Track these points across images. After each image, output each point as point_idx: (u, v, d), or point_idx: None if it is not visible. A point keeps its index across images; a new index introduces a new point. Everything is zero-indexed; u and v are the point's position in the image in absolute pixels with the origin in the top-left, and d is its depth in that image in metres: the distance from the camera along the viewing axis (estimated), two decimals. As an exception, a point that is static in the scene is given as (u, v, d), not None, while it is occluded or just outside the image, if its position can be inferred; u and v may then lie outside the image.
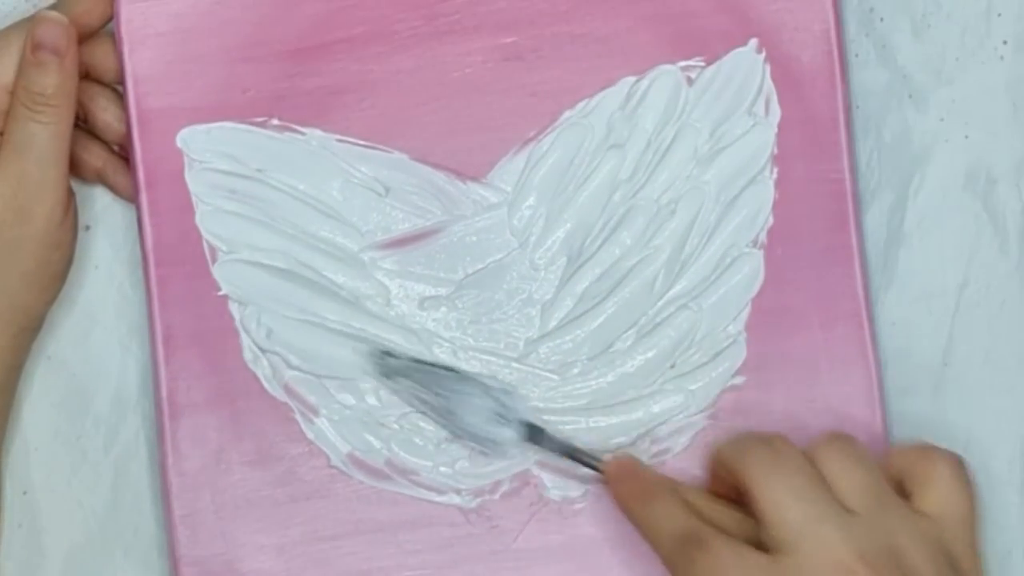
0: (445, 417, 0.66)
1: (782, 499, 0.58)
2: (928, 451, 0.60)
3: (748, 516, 0.61)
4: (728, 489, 0.62)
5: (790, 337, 0.68)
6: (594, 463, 0.64)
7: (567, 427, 0.68)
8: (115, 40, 0.67)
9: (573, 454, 0.65)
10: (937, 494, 0.60)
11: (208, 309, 0.67)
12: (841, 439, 0.61)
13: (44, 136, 0.64)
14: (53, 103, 0.64)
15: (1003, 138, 0.69)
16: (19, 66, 0.65)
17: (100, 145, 0.69)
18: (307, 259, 0.68)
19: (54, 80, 0.64)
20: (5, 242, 0.64)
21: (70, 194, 0.66)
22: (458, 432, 0.66)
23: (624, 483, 0.63)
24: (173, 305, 0.67)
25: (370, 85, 0.68)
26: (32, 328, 0.67)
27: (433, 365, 0.66)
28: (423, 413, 0.66)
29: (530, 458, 0.67)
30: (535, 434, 0.65)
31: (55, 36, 0.64)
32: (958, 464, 0.60)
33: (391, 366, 0.66)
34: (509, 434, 0.66)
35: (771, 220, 0.68)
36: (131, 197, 0.68)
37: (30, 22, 0.65)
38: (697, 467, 0.67)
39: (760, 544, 0.59)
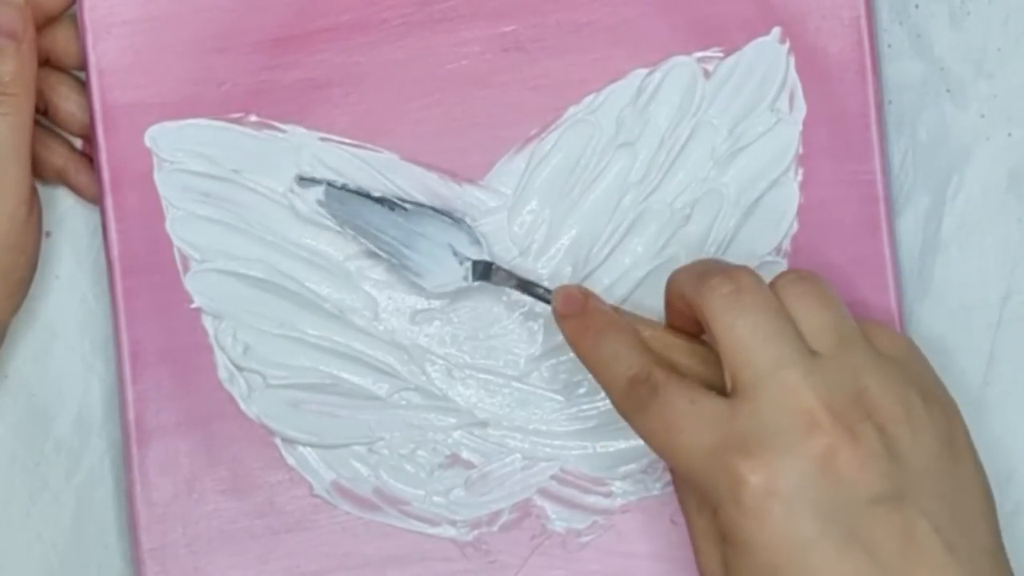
0: (389, 251, 0.66)
1: (744, 339, 0.57)
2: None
3: (709, 349, 0.60)
4: (687, 322, 0.61)
5: (816, 354, 0.67)
6: (547, 296, 0.63)
7: (573, 452, 0.67)
8: (78, 27, 0.67)
9: (525, 287, 0.65)
10: (888, 338, 0.60)
11: (179, 323, 0.67)
12: (807, 277, 0.59)
13: (2, 128, 0.64)
14: (11, 92, 0.64)
15: (1049, 136, 0.69)
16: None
17: (61, 142, 0.68)
18: (288, 269, 0.67)
19: (11, 67, 0.64)
20: None
21: (34, 192, 0.65)
22: (401, 268, 0.66)
23: (575, 318, 0.62)
24: (141, 319, 0.66)
25: (356, 78, 0.67)
26: (-4, 339, 0.67)
27: (380, 200, 0.66)
28: (358, 239, 0.66)
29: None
30: (485, 271, 0.65)
31: (11, 19, 0.64)
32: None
33: (330, 194, 0.66)
34: (460, 272, 0.65)
35: (795, 226, 0.67)
36: (95, 200, 0.67)
37: (-17, 6, 0.65)
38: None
39: (720, 382, 0.58)
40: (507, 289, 0.66)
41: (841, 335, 0.58)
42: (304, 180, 0.66)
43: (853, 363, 0.57)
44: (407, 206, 0.65)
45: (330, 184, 0.66)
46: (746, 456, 0.55)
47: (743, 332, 0.57)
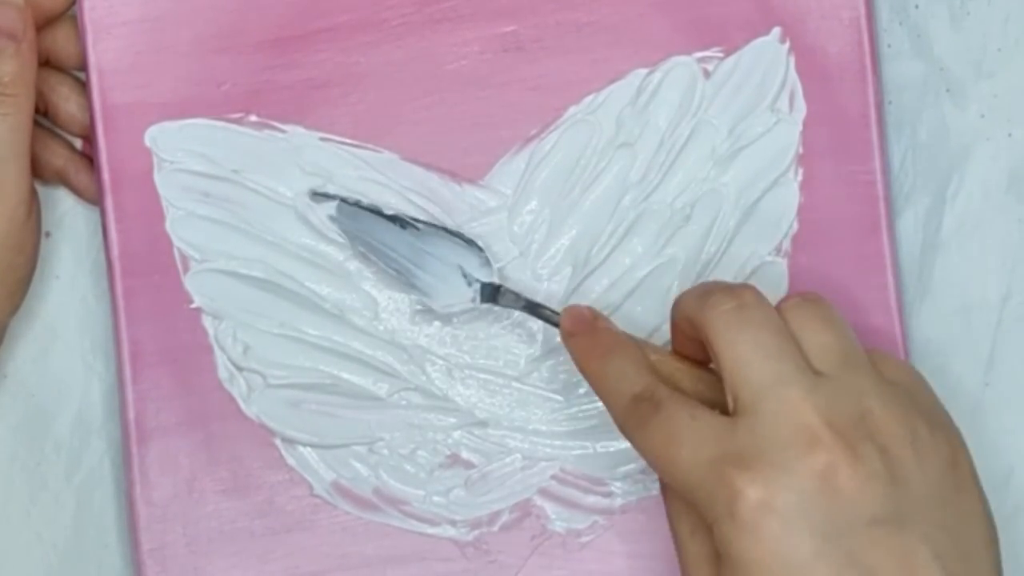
0: (398, 269, 0.65)
1: (745, 356, 0.56)
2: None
3: (713, 376, 0.59)
4: (693, 346, 0.60)
5: (816, 354, 0.67)
6: (554, 318, 0.63)
7: (573, 452, 0.67)
8: (78, 27, 0.66)
9: (533, 309, 0.64)
10: (893, 365, 0.59)
11: (179, 323, 0.66)
12: (813, 299, 0.59)
13: (2, 129, 0.63)
14: (10, 92, 0.63)
15: (1049, 136, 0.69)
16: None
17: (61, 143, 0.68)
18: (288, 268, 0.67)
19: (11, 67, 0.63)
20: None
21: (33, 193, 0.65)
22: (409, 287, 0.66)
23: (581, 337, 0.61)
24: (141, 319, 0.66)
25: (356, 78, 0.67)
26: (-5, 340, 0.66)
27: (392, 218, 0.65)
28: (367, 259, 0.66)
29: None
30: (493, 293, 0.65)
31: (10, 20, 0.63)
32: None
33: (342, 210, 0.66)
34: (469, 293, 0.65)
35: (796, 226, 0.67)
36: (95, 200, 0.67)
37: (-17, 6, 0.64)
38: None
39: (724, 406, 0.57)
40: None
41: (845, 357, 0.57)
42: (317, 195, 0.66)
43: (857, 385, 0.56)
44: (419, 225, 0.65)
45: (343, 200, 0.65)
46: (744, 469, 0.54)
47: (744, 348, 0.56)
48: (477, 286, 0.65)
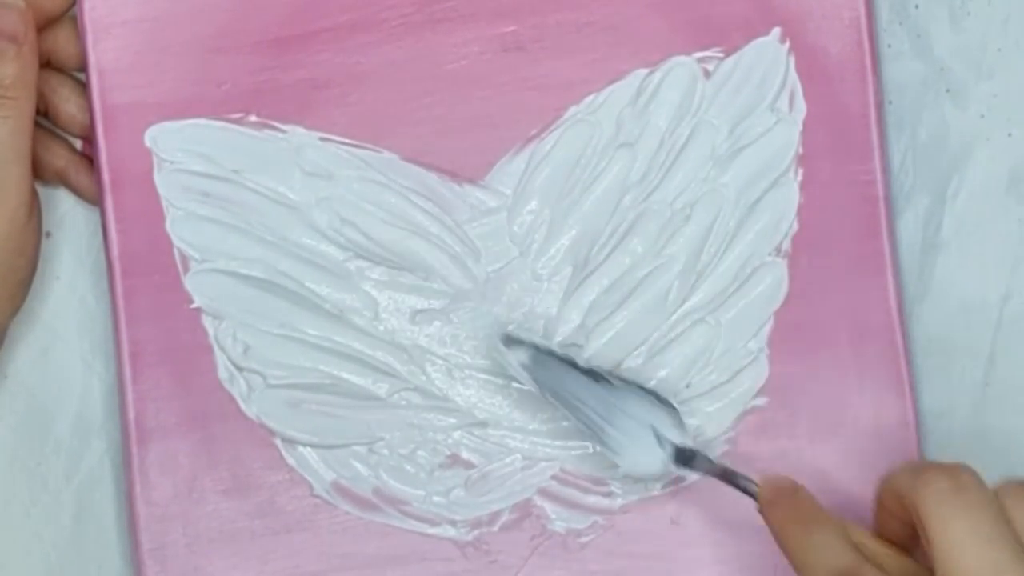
0: (588, 424, 0.64)
1: (961, 539, 0.54)
2: None
3: (920, 566, 0.58)
4: (898, 527, 0.58)
5: (816, 354, 0.66)
6: (749, 487, 0.61)
7: (573, 452, 0.67)
8: (78, 28, 0.66)
9: (728, 477, 0.62)
10: None
11: (179, 323, 0.66)
12: None
13: (3, 132, 0.63)
14: (11, 95, 0.63)
15: (1050, 136, 0.69)
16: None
17: (61, 143, 0.68)
18: (288, 268, 0.67)
19: (12, 70, 0.63)
20: None
21: (34, 195, 0.65)
22: (599, 444, 0.64)
23: (781, 507, 0.60)
24: (141, 319, 0.66)
25: (357, 78, 0.66)
26: (-4, 341, 0.66)
27: (586, 371, 0.64)
28: (559, 407, 0.64)
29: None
30: (687, 456, 0.63)
31: (12, 22, 0.63)
32: None
33: (535, 358, 0.64)
34: (661, 455, 0.63)
35: (796, 226, 0.67)
36: (95, 200, 0.67)
37: (-16, 8, 0.64)
38: (712, 496, 0.66)
39: None
40: (507, 291, 0.66)
41: None
42: (511, 340, 0.64)
43: None
44: (613, 381, 0.64)
45: (537, 348, 0.64)
46: None
47: (960, 531, 0.54)
48: (670, 448, 0.63)
